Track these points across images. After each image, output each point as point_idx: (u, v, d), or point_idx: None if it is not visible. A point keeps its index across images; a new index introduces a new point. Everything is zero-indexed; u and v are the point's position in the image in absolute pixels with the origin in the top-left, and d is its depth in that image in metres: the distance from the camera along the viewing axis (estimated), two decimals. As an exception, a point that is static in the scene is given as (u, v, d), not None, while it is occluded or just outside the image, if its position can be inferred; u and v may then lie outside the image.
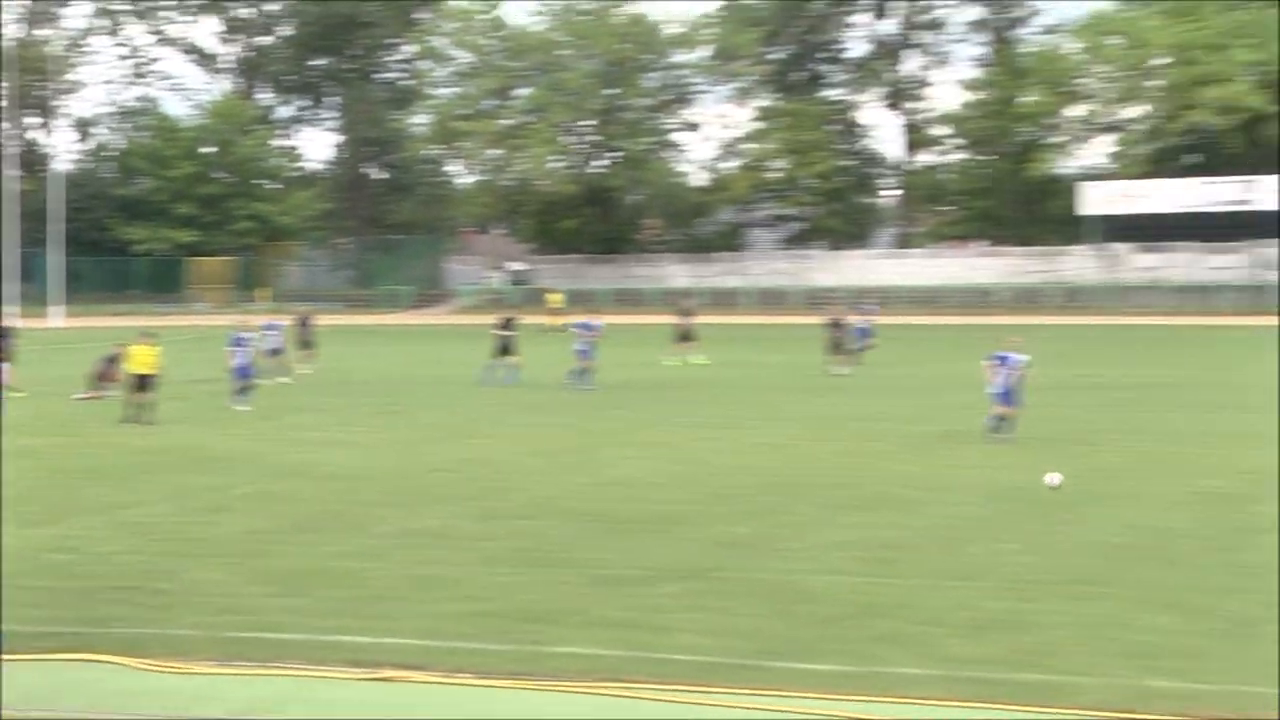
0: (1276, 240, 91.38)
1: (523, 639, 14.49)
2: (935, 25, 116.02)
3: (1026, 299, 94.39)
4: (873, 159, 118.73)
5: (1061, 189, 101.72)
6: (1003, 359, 29.15)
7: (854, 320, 52.96)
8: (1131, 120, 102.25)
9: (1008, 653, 14.27)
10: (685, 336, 52.99)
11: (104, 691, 12.81)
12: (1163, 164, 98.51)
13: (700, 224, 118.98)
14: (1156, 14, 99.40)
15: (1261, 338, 64.68)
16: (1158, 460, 27.28)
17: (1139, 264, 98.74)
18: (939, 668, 13.77)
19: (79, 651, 13.75)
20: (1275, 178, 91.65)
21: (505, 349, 44.84)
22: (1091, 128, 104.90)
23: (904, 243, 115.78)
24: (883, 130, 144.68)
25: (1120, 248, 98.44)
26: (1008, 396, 28.78)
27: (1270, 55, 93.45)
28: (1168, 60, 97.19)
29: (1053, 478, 21.70)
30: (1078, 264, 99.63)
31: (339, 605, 15.77)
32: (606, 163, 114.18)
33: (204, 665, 13.54)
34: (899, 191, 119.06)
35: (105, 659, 13.57)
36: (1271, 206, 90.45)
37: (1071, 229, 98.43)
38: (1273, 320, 71.16)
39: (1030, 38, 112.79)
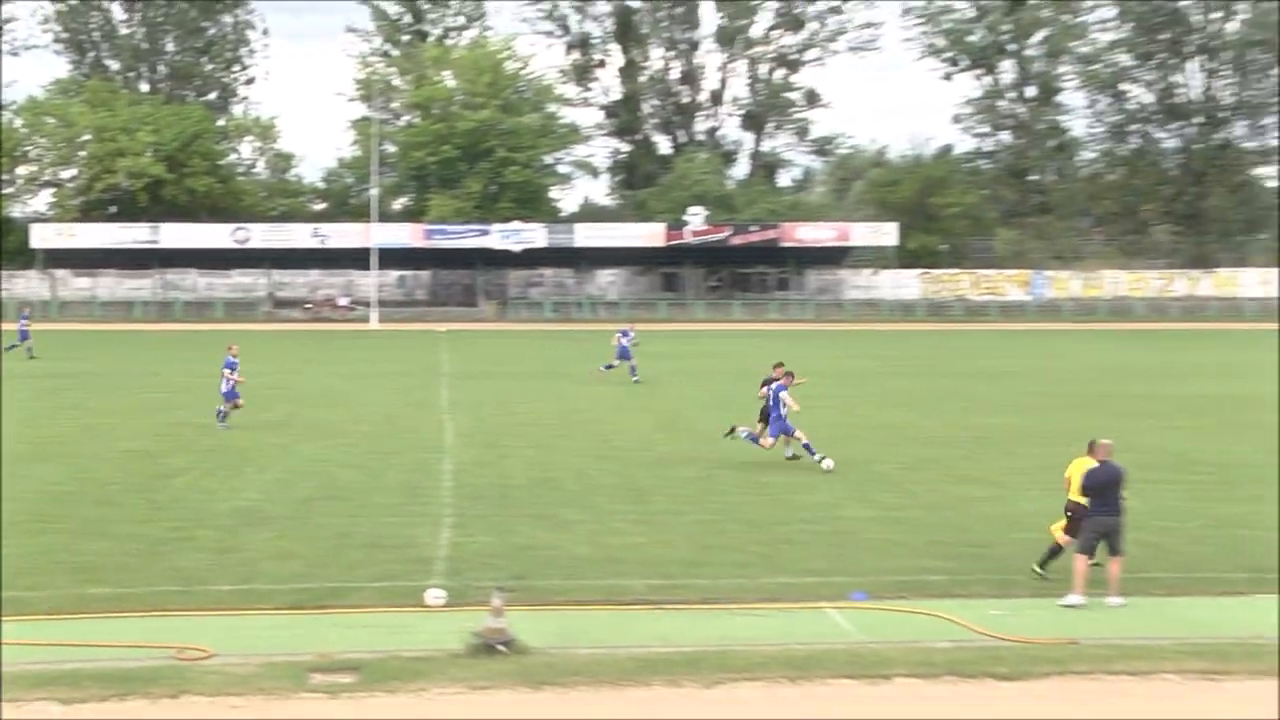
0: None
1: None
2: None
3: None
4: None
5: (18, 228, 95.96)
6: (230, 364, 26.93)
7: (14, 327, 50.19)
8: (67, 180, 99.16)
9: (-18, 580, 13.79)
10: None
11: None
12: (91, 212, 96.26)
13: None
14: (80, 102, 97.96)
15: (172, 339, 64.51)
16: (94, 429, 26.83)
17: (76, 285, 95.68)
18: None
19: None
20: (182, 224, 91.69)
21: None
22: (37, 184, 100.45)
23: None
24: None
25: (61, 273, 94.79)
26: (232, 394, 26.72)
27: (165, 138, 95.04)
28: (90, 137, 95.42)
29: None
30: (30, 284, 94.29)
31: None
32: None
33: None
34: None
35: None
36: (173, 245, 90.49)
37: (26, 258, 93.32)
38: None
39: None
